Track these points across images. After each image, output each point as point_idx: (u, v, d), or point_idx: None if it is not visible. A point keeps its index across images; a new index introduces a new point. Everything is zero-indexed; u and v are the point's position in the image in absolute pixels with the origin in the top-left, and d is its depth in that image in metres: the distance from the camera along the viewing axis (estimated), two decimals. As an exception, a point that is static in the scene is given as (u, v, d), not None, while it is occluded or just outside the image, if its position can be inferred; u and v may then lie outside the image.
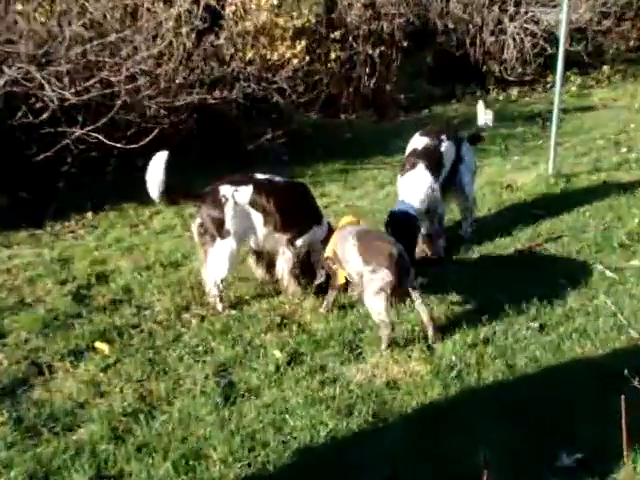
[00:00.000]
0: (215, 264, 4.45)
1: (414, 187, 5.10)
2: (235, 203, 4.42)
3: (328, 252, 4.34)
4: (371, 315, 3.93)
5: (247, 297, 4.69)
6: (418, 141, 5.36)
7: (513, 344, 3.90)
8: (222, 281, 4.48)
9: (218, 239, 4.42)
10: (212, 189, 4.49)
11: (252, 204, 4.46)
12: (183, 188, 4.58)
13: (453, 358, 3.74)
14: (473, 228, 5.64)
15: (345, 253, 4.12)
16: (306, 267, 4.64)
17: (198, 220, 4.48)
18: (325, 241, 4.53)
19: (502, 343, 3.90)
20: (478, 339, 3.93)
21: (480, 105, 5.51)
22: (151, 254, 5.55)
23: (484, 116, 5.46)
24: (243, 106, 8.37)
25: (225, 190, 4.44)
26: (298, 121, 9.19)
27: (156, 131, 6.78)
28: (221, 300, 4.48)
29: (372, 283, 3.83)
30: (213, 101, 7.71)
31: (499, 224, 5.84)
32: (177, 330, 4.26)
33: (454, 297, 4.46)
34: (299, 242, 4.61)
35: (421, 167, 5.15)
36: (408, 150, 5.40)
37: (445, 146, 5.31)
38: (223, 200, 4.41)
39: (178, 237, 5.99)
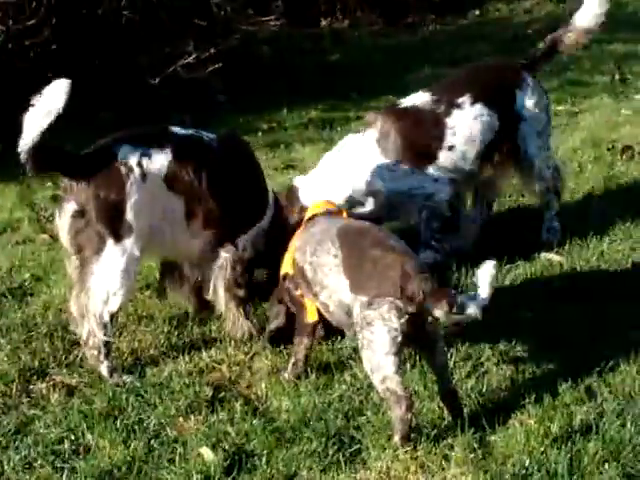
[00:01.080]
0: (103, 286, 4.44)
1: (338, 166, 5.40)
2: (143, 177, 4.46)
3: (286, 266, 4.35)
4: (373, 382, 3.92)
5: (152, 350, 4.69)
6: (413, 97, 5.65)
7: (635, 436, 3.89)
8: (113, 318, 4.48)
9: (110, 241, 4.44)
10: (103, 151, 4.53)
11: (171, 180, 4.53)
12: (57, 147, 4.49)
13: (526, 460, 3.73)
14: (559, 223, 5.74)
15: (318, 270, 4.12)
16: (261, 286, 4.76)
17: (72, 206, 4.48)
18: (276, 237, 4.65)
19: (616, 434, 3.88)
20: (571, 426, 3.93)
21: None
22: (-27, 275, 5.54)
23: None
24: (143, 4, 8.37)
25: (127, 153, 4.48)
26: (244, 33, 9.20)
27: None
28: (108, 355, 4.47)
29: (370, 327, 3.83)
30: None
31: (608, 216, 5.90)
32: (23, 413, 4.23)
33: (524, 348, 4.49)
34: (243, 241, 4.71)
35: (371, 135, 5.42)
36: None
37: (461, 117, 5.51)
38: (123, 170, 4.44)
39: (24, 243, 6.02)
